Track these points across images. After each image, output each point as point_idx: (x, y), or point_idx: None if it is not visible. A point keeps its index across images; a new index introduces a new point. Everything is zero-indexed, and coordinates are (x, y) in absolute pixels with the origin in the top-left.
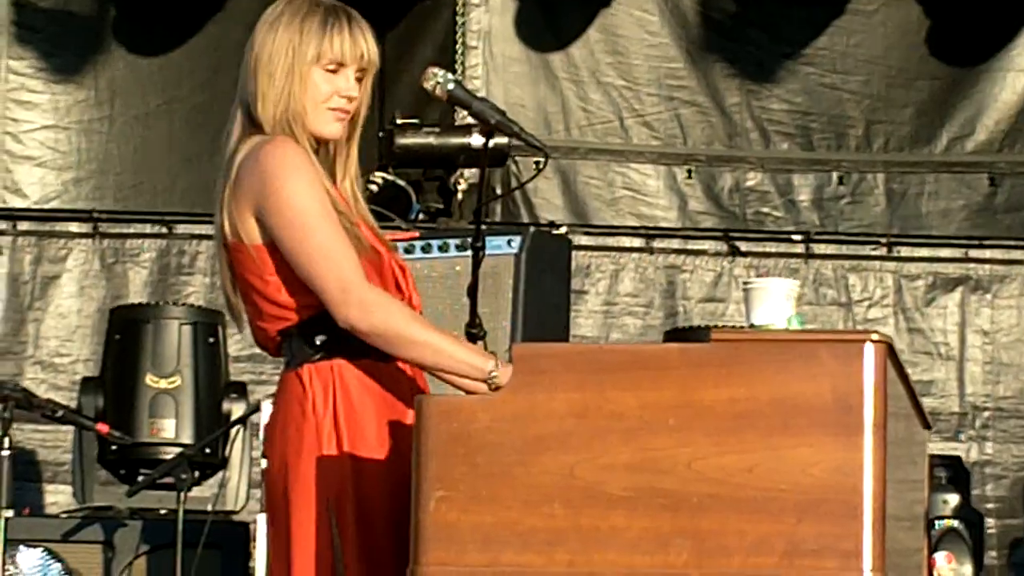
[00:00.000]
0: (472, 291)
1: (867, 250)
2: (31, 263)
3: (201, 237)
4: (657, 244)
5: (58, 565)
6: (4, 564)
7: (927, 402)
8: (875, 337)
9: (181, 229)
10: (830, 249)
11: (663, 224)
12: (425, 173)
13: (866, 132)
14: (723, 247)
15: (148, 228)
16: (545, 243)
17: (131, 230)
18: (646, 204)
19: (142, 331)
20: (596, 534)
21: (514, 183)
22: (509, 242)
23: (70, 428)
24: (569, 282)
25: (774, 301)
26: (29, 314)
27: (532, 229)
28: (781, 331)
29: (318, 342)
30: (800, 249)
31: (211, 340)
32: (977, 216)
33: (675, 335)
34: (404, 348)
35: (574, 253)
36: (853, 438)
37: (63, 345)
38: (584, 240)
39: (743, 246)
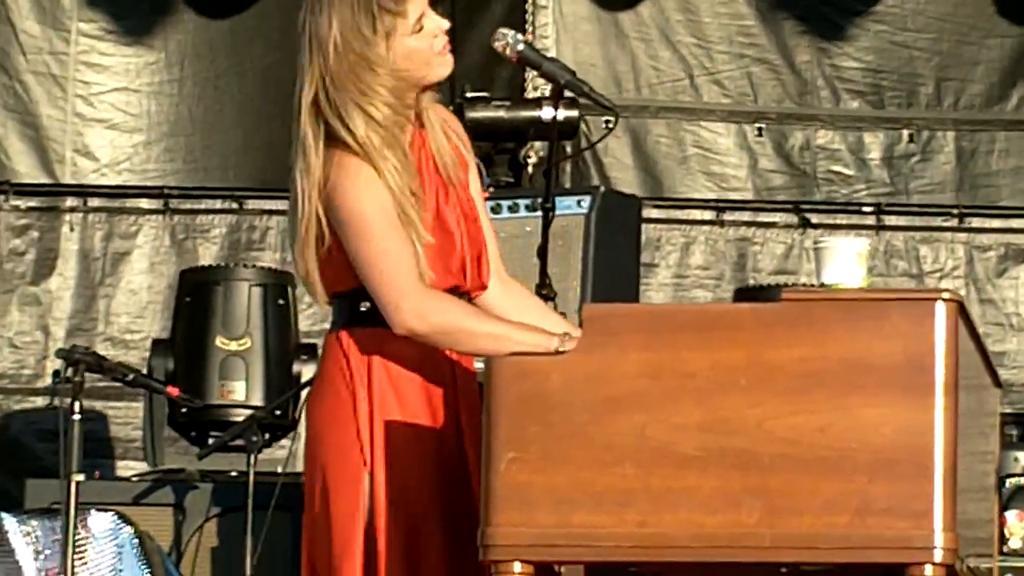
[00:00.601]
0: (542, 252)
1: (938, 221)
2: (102, 240)
3: (272, 212)
4: (727, 216)
5: (129, 528)
6: (75, 527)
7: (1000, 374)
8: (946, 296)
9: (252, 205)
10: (901, 220)
11: (734, 182)
12: (495, 146)
13: (937, 90)
14: (794, 219)
15: (219, 204)
16: (615, 204)
17: (202, 206)
18: (717, 163)
19: (212, 293)
20: (667, 494)
21: (584, 143)
22: (579, 202)
23: (140, 404)
24: (639, 243)
25: (845, 260)
26: (100, 290)
27: (602, 189)
28: (852, 290)
29: (363, 309)
30: (871, 221)
31: (281, 302)
32: None
33: (745, 294)
34: (465, 344)
35: (644, 226)
36: (924, 398)
37: (134, 322)
38: (654, 213)
39: (814, 218)
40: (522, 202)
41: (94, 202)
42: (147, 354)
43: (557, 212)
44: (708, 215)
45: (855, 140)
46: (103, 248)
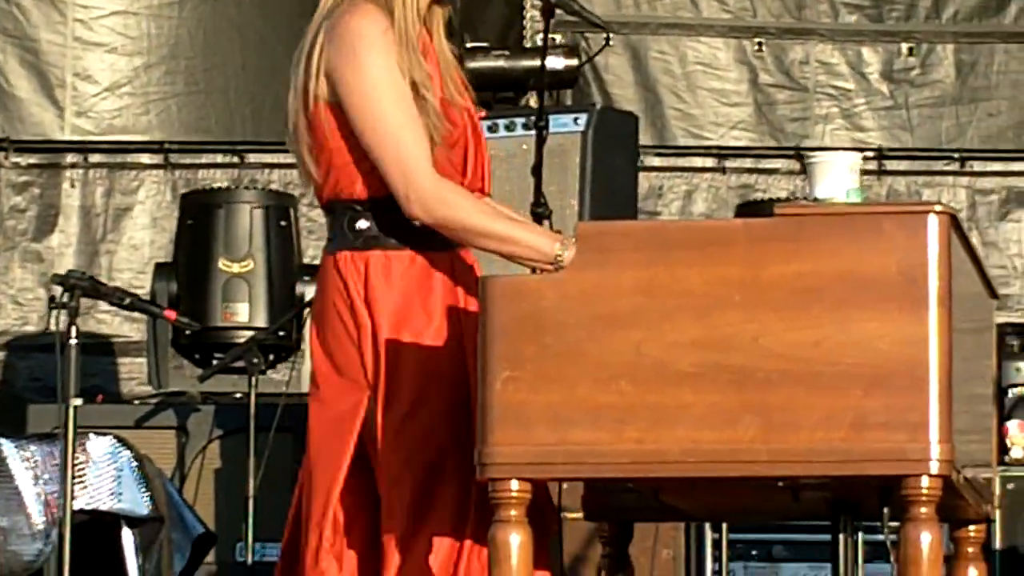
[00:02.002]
0: (536, 170)
1: (940, 165)
2: (103, 195)
3: (273, 166)
4: (729, 164)
5: (128, 452)
6: (74, 452)
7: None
8: (938, 208)
9: (253, 159)
10: (902, 165)
11: (734, 98)
12: (495, 96)
13: (935, 3)
14: (795, 165)
15: (219, 158)
16: (612, 121)
17: (202, 160)
18: (716, 78)
19: (214, 216)
20: (664, 411)
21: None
22: (576, 120)
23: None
24: (636, 160)
25: (837, 175)
26: (102, 247)
27: (599, 106)
28: (845, 204)
29: (359, 228)
30: (873, 166)
31: (283, 223)
32: None
33: (746, 210)
34: (469, 239)
35: (646, 175)
36: (918, 310)
37: (136, 277)
38: (656, 161)
39: None
40: (519, 121)
41: (95, 158)
42: None
43: (554, 130)
44: (710, 162)
45: (854, 54)
46: (104, 204)
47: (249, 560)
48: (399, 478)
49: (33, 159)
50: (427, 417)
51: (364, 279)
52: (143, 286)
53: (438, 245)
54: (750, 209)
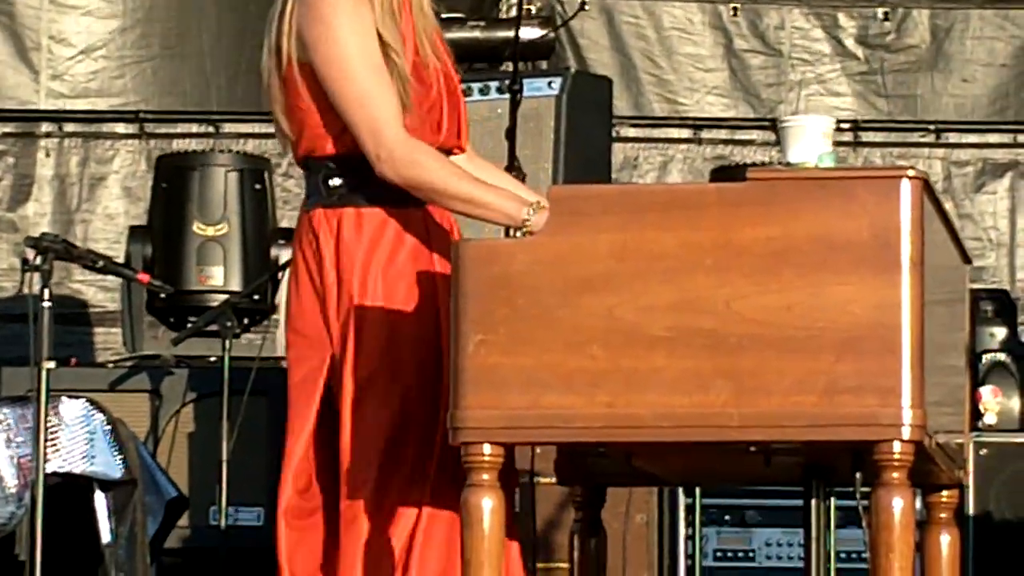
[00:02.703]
0: (510, 134)
1: (915, 137)
2: (77, 165)
3: (248, 136)
4: (705, 135)
5: (101, 415)
6: (46, 415)
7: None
8: (911, 173)
9: (228, 128)
10: (878, 136)
11: (709, 63)
12: (471, 67)
13: None
14: (771, 136)
15: (195, 128)
16: (587, 85)
17: (177, 130)
18: (691, 43)
19: (189, 179)
20: (636, 375)
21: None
22: (550, 84)
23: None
24: (611, 124)
25: (810, 139)
26: (77, 216)
27: (573, 70)
28: (817, 169)
29: (332, 185)
30: (848, 137)
31: (258, 187)
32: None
33: (721, 175)
34: (438, 201)
35: (622, 146)
36: (891, 275)
37: (111, 247)
38: (631, 132)
39: None
40: (493, 84)
41: (69, 127)
42: None
43: (528, 94)
44: (686, 133)
45: (830, 19)
46: (79, 173)
47: (223, 524)
48: (362, 438)
49: (8, 128)
50: (391, 379)
51: (336, 236)
52: (118, 256)
53: (411, 203)
54: (724, 175)
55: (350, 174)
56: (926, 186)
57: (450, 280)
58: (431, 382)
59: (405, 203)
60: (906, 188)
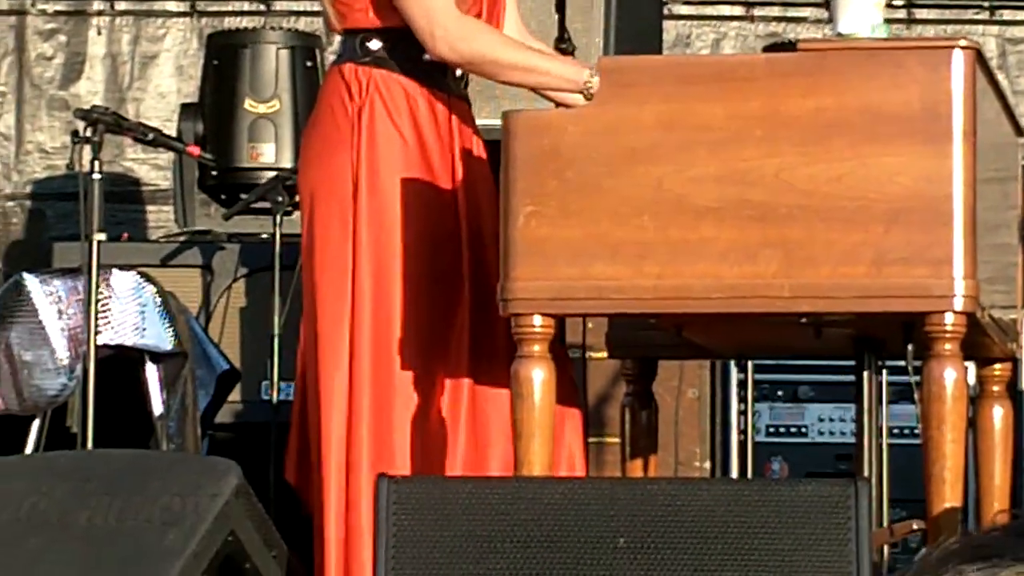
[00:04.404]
0: (560, 6)
1: (969, 14)
2: (129, 43)
3: (299, 13)
4: (758, 12)
5: (152, 287)
6: (98, 287)
7: None
8: (963, 43)
9: (279, 6)
10: (932, 14)
11: None
12: None
13: None
14: (824, 14)
15: (246, 5)
16: None
17: (229, 8)
18: None
19: (240, 56)
20: (685, 246)
21: None
22: None
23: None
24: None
25: (861, 9)
26: (128, 94)
27: None
28: (868, 40)
29: (369, 47)
30: (902, 15)
31: (309, 64)
32: None
33: (774, 48)
34: (497, 73)
35: (674, 23)
36: (941, 146)
37: (163, 125)
38: (684, 9)
39: None
40: None
41: (120, 5)
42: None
43: None
44: (738, 11)
45: None
46: (131, 52)
47: (274, 398)
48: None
49: (59, 6)
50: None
51: (366, 89)
52: (171, 134)
53: (441, 85)
54: (777, 48)
55: (390, 41)
56: (979, 57)
57: (472, 162)
58: (446, 250)
59: (435, 84)
60: (958, 58)
